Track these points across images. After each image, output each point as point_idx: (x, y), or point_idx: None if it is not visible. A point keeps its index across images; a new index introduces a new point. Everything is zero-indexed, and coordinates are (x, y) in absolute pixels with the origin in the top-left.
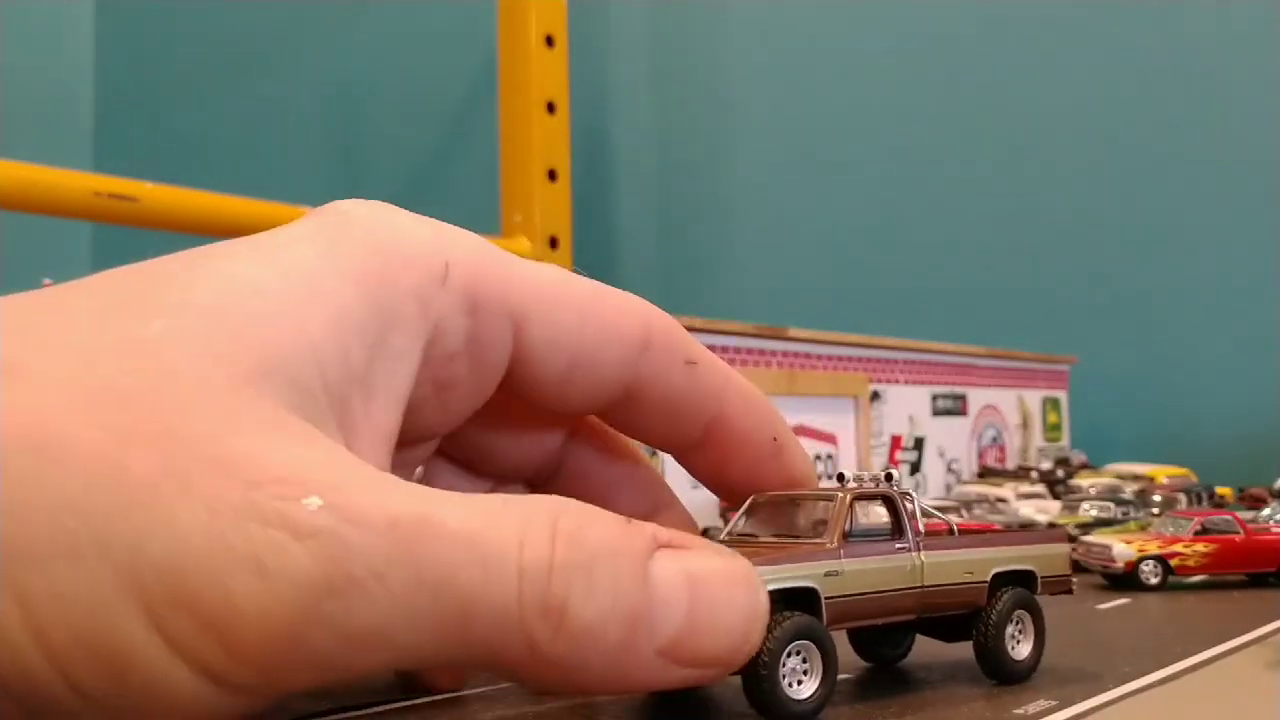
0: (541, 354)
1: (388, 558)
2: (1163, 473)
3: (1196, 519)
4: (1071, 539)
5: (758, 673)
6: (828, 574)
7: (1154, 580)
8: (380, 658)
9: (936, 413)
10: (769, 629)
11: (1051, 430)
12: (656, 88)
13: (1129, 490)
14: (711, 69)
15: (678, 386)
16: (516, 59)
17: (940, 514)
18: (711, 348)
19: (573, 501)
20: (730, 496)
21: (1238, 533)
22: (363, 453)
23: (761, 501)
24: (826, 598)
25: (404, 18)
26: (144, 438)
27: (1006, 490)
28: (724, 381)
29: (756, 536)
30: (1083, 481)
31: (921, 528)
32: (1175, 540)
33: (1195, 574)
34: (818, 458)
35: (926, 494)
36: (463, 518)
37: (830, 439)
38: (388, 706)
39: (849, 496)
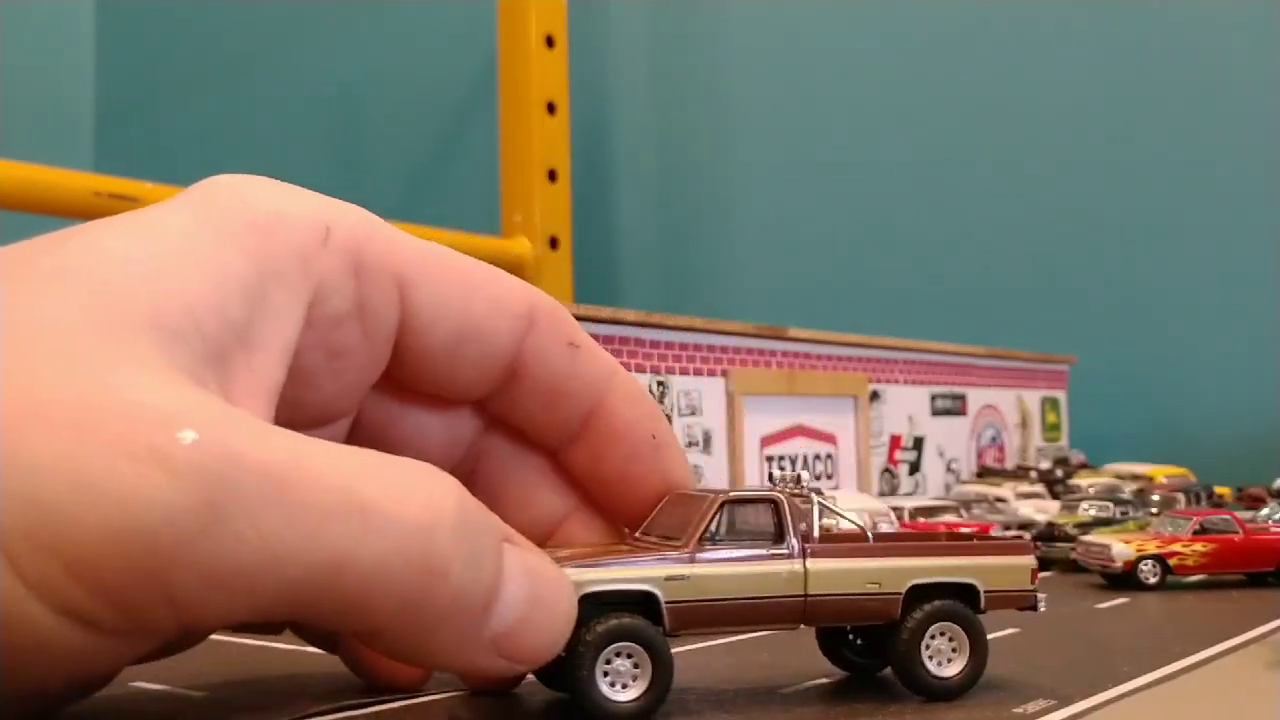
0: (429, 321)
1: (261, 498)
2: (1162, 472)
3: (1195, 519)
4: (1070, 539)
5: (574, 673)
6: (670, 578)
7: (1152, 580)
8: (245, 604)
9: (936, 412)
10: (585, 629)
11: (1051, 430)
12: (656, 88)
13: (1128, 490)
14: (711, 69)
15: (561, 369)
16: (516, 59)
17: (854, 519)
18: (712, 348)
19: (448, 475)
20: (605, 494)
21: (1236, 532)
22: (243, 402)
23: (671, 500)
24: (668, 602)
25: (404, 18)
26: (14, 387)
27: (1005, 490)
28: (607, 371)
29: (650, 535)
30: (1082, 481)
31: (817, 533)
32: (1174, 540)
33: (1194, 573)
34: (818, 457)
35: (926, 493)
36: (342, 467)
37: (830, 439)
38: (389, 705)
39: (720, 499)
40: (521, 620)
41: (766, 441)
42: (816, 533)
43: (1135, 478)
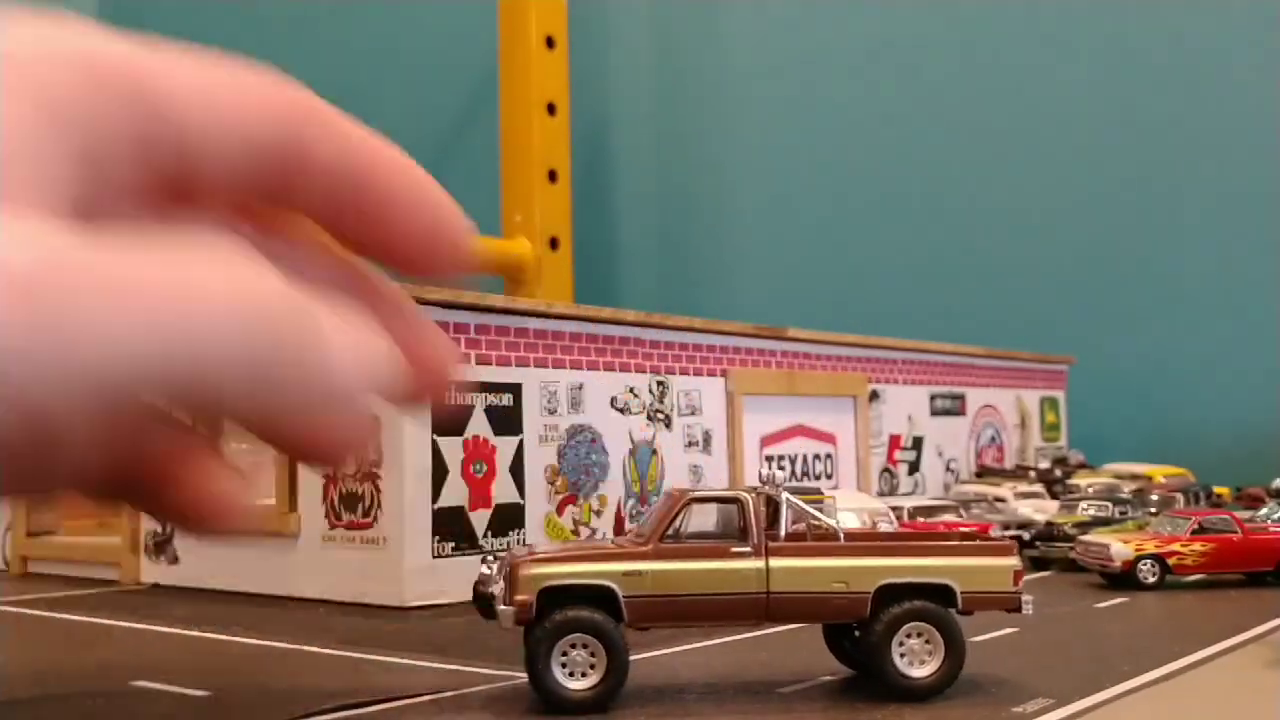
0: (196, 102)
1: (90, 296)
2: (1160, 472)
3: (1194, 518)
4: (1068, 538)
5: (531, 661)
6: (628, 574)
7: (1151, 579)
8: (96, 401)
9: (935, 412)
10: (542, 621)
11: (1050, 430)
12: (656, 89)
13: (1126, 490)
14: (712, 71)
15: (332, 154)
16: (517, 60)
17: (825, 517)
18: (711, 348)
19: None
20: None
21: (1235, 532)
22: (31, 205)
23: (662, 498)
24: (626, 597)
25: (405, 19)
26: None
27: (1005, 490)
28: (374, 152)
29: (633, 532)
30: (1081, 481)
31: (783, 532)
32: (1173, 539)
33: (1193, 573)
34: (817, 457)
35: (925, 493)
36: (159, 256)
37: (829, 439)
38: (384, 705)
39: (685, 498)
40: (351, 376)
41: (766, 441)
42: (784, 531)
43: (1134, 477)
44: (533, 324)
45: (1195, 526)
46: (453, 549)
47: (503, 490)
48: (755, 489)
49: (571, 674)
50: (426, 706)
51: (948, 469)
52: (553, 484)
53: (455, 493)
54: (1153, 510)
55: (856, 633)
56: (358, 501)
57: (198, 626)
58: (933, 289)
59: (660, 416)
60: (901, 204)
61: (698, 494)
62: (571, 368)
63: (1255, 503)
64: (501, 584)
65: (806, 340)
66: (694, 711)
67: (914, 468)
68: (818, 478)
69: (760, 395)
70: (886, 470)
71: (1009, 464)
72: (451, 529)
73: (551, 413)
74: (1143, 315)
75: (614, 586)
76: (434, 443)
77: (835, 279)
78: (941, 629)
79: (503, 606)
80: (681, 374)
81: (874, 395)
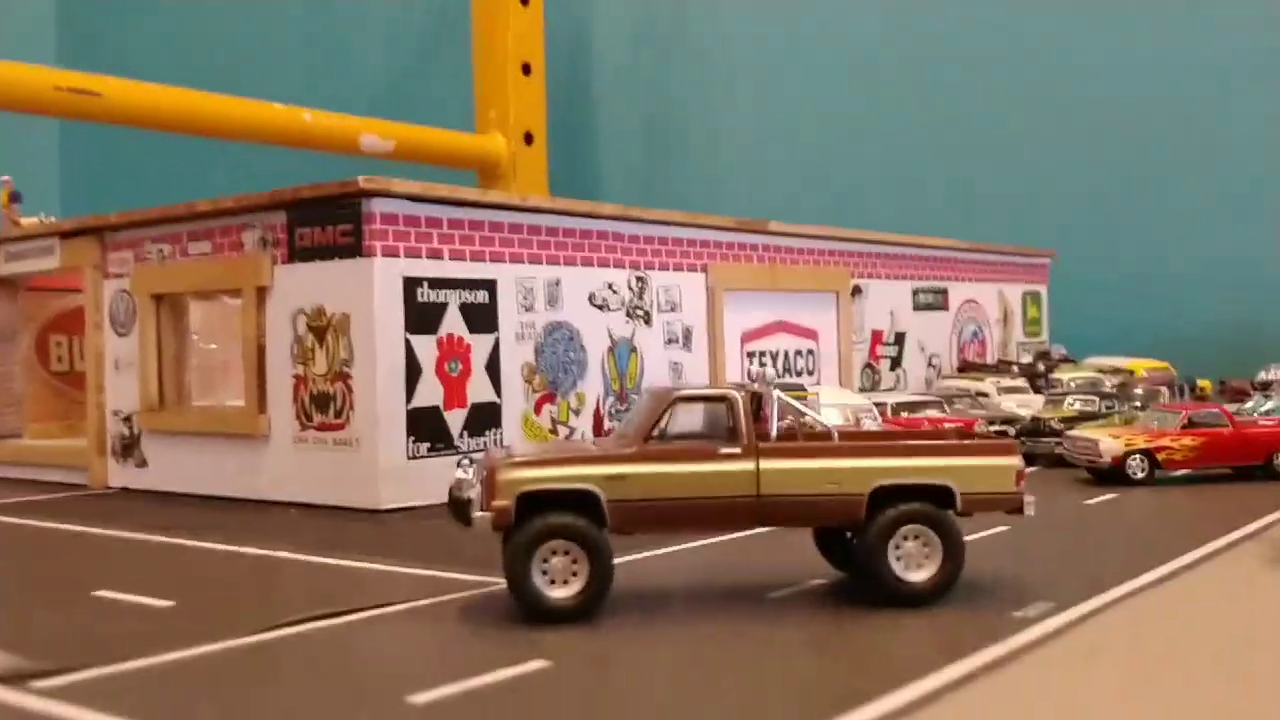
0: None
1: None
2: (1142, 366)
3: (1184, 412)
4: (1055, 434)
5: (510, 569)
6: (611, 477)
7: (1140, 475)
8: None
9: (918, 307)
10: (522, 527)
11: (1031, 325)
12: None
13: (1109, 384)
14: None
15: None
16: None
17: (819, 418)
18: (692, 242)
19: None
20: None
21: (1225, 426)
22: None
23: (645, 394)
24: (609, 501)
25: None
26: None
27: (987, 384)
28: None
29: (615, 433)
30: (1063, 375)
31: (774, 432)
32: (1162, 434)
33: (1181, 468)
34: (799, 353)
35: (907, 389)
36: None
37: (811, 335)
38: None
39: (671, 396)
40: None
41: (747, 337)
42: (774, 431)
43: (1116, 371)
44: (508, 218)
45: (1185, 421)
46: (428, 450)
47: (479, 389)
48: (744, 387)
49: (553, 582)
50: (402, 616)
51: (930, 365)
52: (530, 382)
53: (430, 392)
54: (1137, 405)
55: (850, 536)
56: (329, 402)
57: (164, 532)
58: (916, 183)
59: (640, 313)
60: (887, 98)
61: (684, 393)
62: (549, 263)
63: (1240, 396)
64: (478, 488)
65: (789, 234)
66: (681, 620)
67: (896, 363)
68: (799, 374)
69: (741, 291)
70: (869, 366)
71: (991, 359)
72: (426, 429)
73: (528, 309)
74: (1125, 210)
75: (596, 491)
76: (407, 341)
77: (818, 173)
78: (940, 532)
79: (479, 512)
80: (661, 269)
81: (856, 290)
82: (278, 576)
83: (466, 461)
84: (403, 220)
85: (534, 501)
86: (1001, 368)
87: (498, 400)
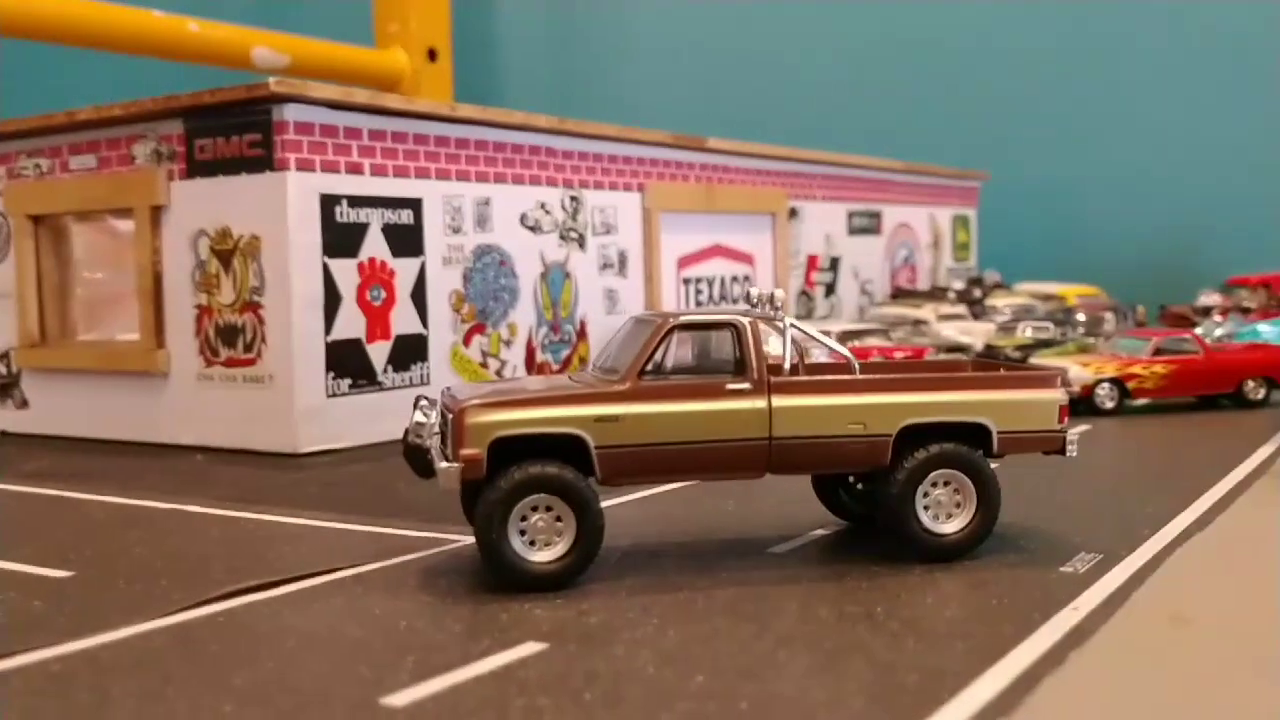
0: None
1: None
2: (1073, 292)
3: (1153, 339)
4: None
5: (483, 532)
6: (601, 419)
7: (1110, 404)
8: None
9: (853, 231)
10: (496, 480)
11: (960, 250)
12: None
13: (1042, 310)
14: None
15: None
16: None
17: (839, 345)
18: (628, 159)
19: None
20: None
21: (1197, 352)
22: None
23: (629, 323)
24: (599, 447)
25: None
26: None
27: (926, 311)
28: None
29: (596, 368)
30: (998, 301)
31: (788, 364)
32: (1132, 361)
33: (1151, 396)
34: (735, 279)
35: (841, 316)
36: None
37: (748, 259)
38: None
39: (667, 324)
40: None
41: (684, 262)
42: (788, 364)
43: (1048, 297)
44: (434, 129)
45: (1155, 348)
46: (350, 387)
47: (404, 320)
48: (748, 312)
49: (533, 543)
50: (351, 586)
51: (863, 291)
52: (459, 312)
53: (350, 323)
54: (1082, 331)
55: (854, 481)
56: (237, 335)
57: (54, 483)
58: (851, 100)
59: (574, 236)
60: (821, 12)
61: (683, 319)
62: (478, 180)
63: (1181, 321)
64: (440, 434)
65: (726, 152)
66: (684, 585)
67: (830, 290)
68: (735, 301)
69: (678, 212)
70: (804, 293)
71: (922, 285)
72: (347, 364)
73: (456, 231)
74: (1055, 134)
75: (584, 435)
76: (325, 266)
77: (752, 87)
78: (974, 477)
79: (444, 463)
80: (596, 188)
81: (793, 213)
82: (192, 537)
83: (425, 402)
84: (319, 130)
85: (508, 449)
86: (936, 294)
87: (424, 331)
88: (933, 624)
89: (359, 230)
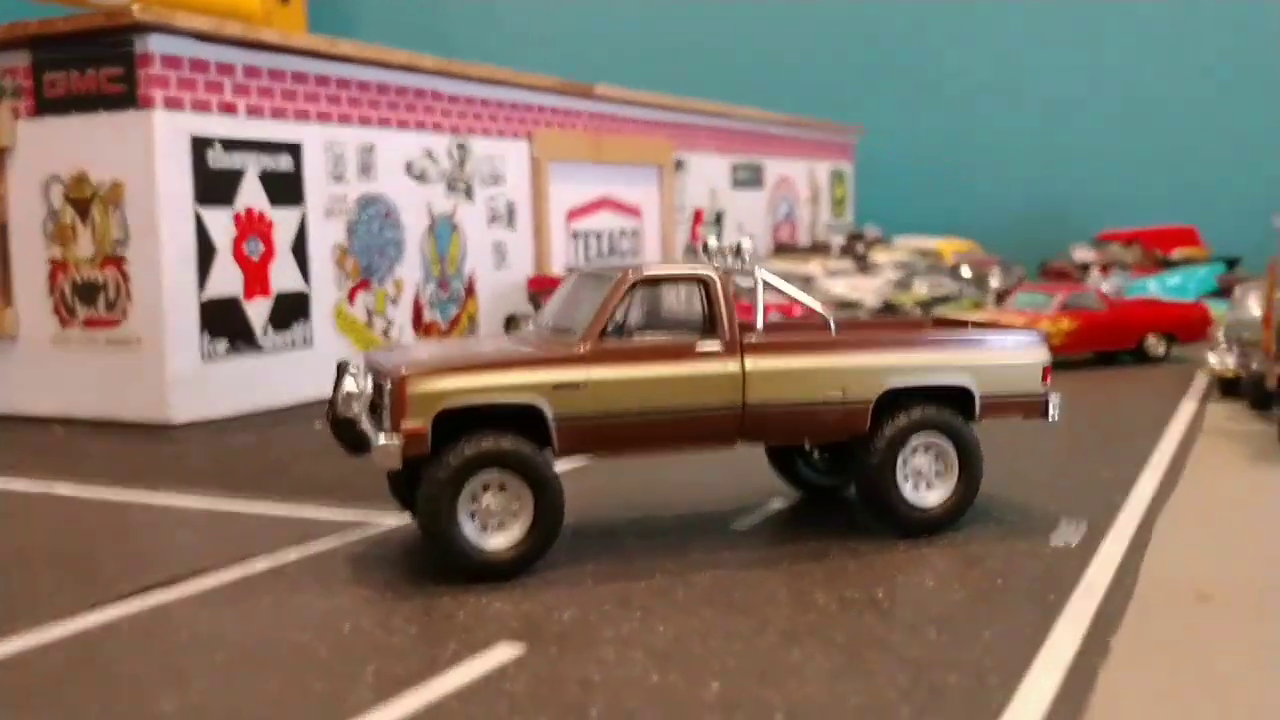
0: None
1: None
2: (950, 247)
3: (1059, 295)
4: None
5: (430, 518)
6: (560, 386)
7: None
8: None
9: (737, 184)
10: (443, 458)
11: (837, 205)
12: None
13: (923, 264)
14: None
15: None
16: None
17: (814, 303)
18: (515, 106)
19: None
20: None
21: (1101, 309)
22: None
23: (574, 276)
24: (558, 418)
25: None
26: None
27: (813, 267)
28: None
29: (543, 327)
30: (879, 257)
31: (761, 323)
32: (1039, 318)
33: (1056, 353)
34: (623, 233)
35: None
36: None
37: (635, 212)
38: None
39: (629, 279)
40: None
41: (573, 215)
42: (761, 323)
43: (926, 253)
44: (313, 67)
45: (1061, 304)
46: (227, 350)
47: (284, 275)
48: (717, 266)
49: (485, 527)
50: (270, 579)
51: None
52: (343, 267)
53: (226, 279)
54: (971, 286)
55: (812, 450)
56: (98, 292)
57: None
58: (735, 52)
59: (461, 186)
60: None
61: (649, 272)
62: (361, 124)
63: (1062, 277)
64: (380, 405)
65: (614, 100)
66: (653, 566)
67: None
68: (624, 255)
69: (567, 162)
70: (690, 248)
71: (803, 240)
72: (224, 325)
73: (338, 180)
74: (928, 92)
75: (542, 405)
76: (197, 216)
77: (638, 33)
78: (957, 442)
79: (383, 439)
80: (484, 135)
81: (679, 165)
82: (69, 525)
83: (354, 368)
84: (188, 65)
85: (452, 421)
86: (818, 249)
87: (306, 288)
88: (944, 610)
89: (234, 177)
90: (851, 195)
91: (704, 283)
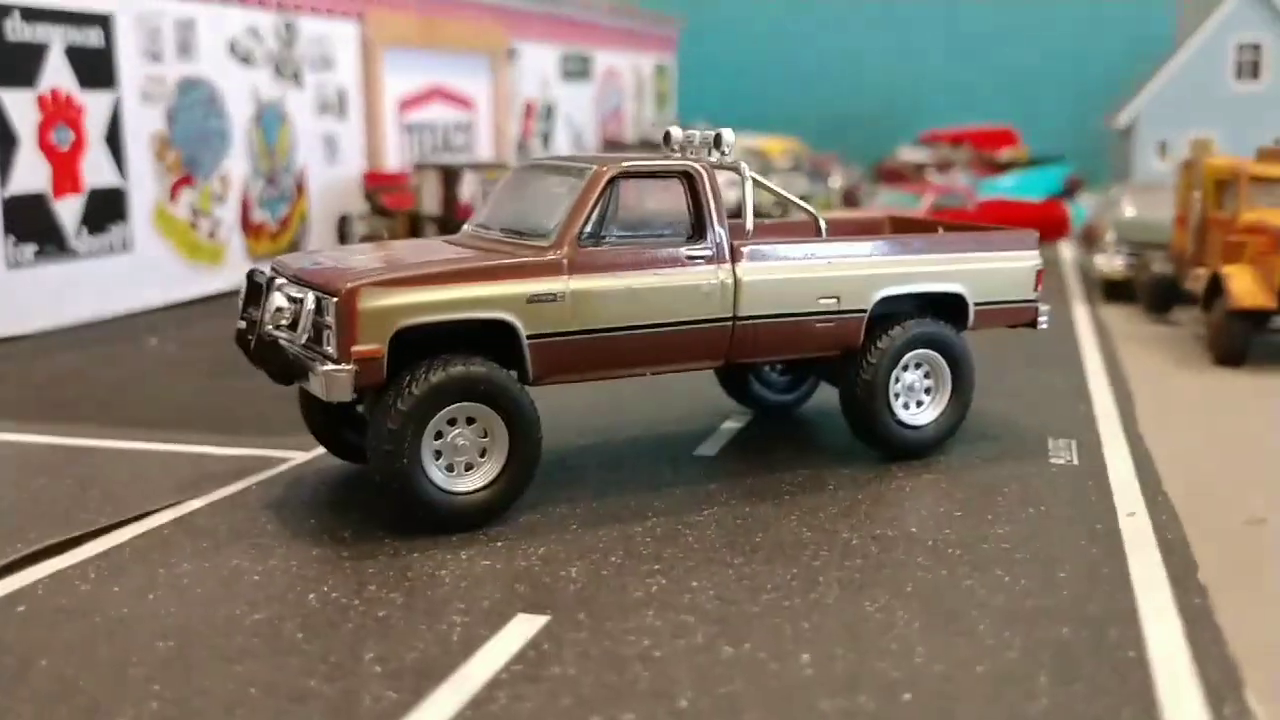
0: None
1: None
2: (776, 145)
3: (928, 194)
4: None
5: (387, 458)
6: (535, 299)
7: None
8: None
9: (566, 75)
10: (403, 386)
11: (660, 100)
12: None
13: (757, 163)
14: None
15: None
16: None
17: (802, 203)
18: None
19: None
20: None
21: (970, 208)
22: None
23: (522, 171)
24: (532, 337)
25: None
26: None
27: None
28: None
29: (488, 229)
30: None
31: (750, 225)
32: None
33: None
34: (458, 127)
35: None
36: None
37: (468, 104)
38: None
39: (606, 172)
40: None
41: (405, 106)
42: (750, 225)
43: (752, 151)
44: None
45: (933, 203)
46: (35, 255)
47: (96, 169)
48: (698, 159)
49: (451, 468)
50: (182, 537)
51: (577, 141)
52: (163, 160)
53: (31, 173)
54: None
55: (772, 369)
56: None
57: None
58: None
59: (289, 70)
60: None
61: (628, 166)
62: None
63: (897, 177)
64: (322, 325)
65: None
66: (641, 507)
67: (546, 140)
68: (457, 151)
69: (400, 47)
70: (522, 144)
71: (630, 136)
72: (31, 226)
73: (155, 59)
74: None
75: (514, 320)
76: None
77: None
78: (950, 358)
79: (329, 367)
80: (312, 14)
81: (511, 54)
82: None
83: (285, 283)
84: None
85: (406, 343)
86: (646, 146)
87: (123, 184)
88: (997, 547)
89: (36, 53)
90: (675, 89)
91: (689, 177)
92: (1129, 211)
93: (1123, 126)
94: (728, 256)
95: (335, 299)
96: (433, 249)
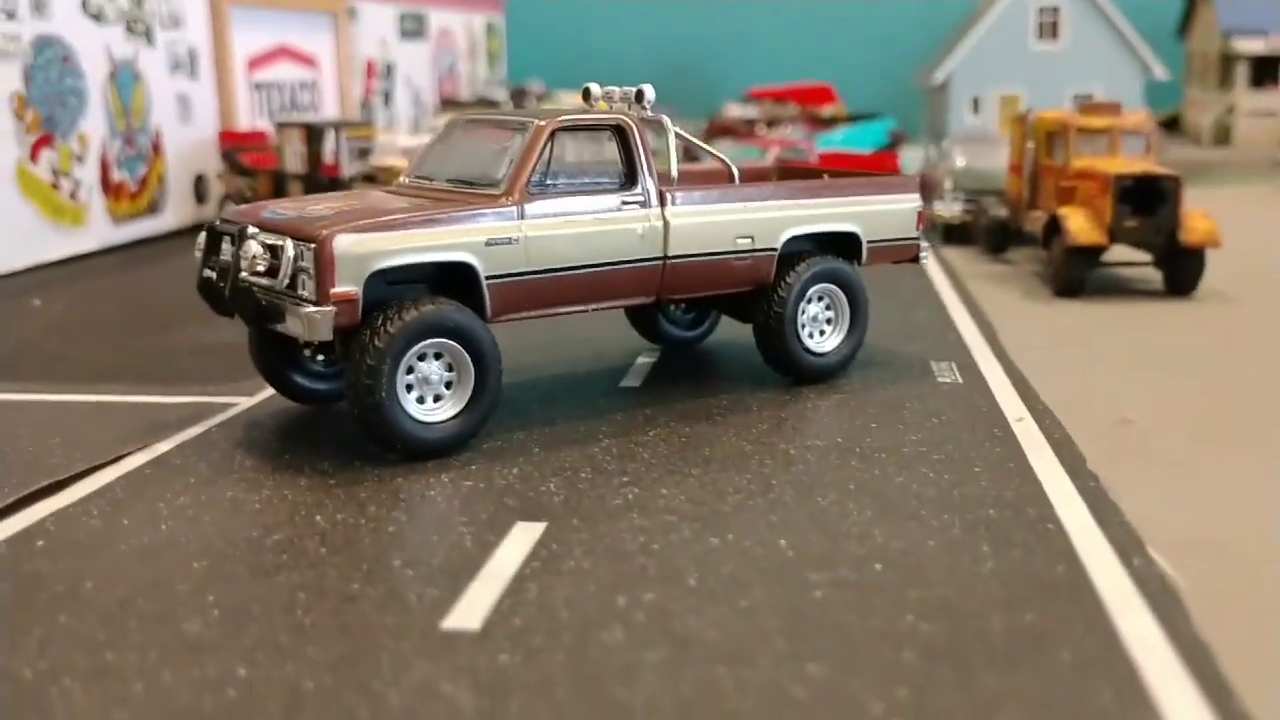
0: None
1: None
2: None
3: (772, 148)
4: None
5: (363, 391)
6: (492, 242)
7: None
8: None
9: (404, 35)
10: (378, 325)
11: (492, 59)
12: None
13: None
14: None
15: None
16: None
17: (716, 153)
18: None
19: None
20: None
21: (814, 160)
22: None
23: (455, 126)
24: (490, 277)
25: None
26: None
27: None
28: None
29: (431, 180)
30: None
31: (675, 173)
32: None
33: None
34: (304, 86)
35: (400, 128)
36: None
37: (312, 63)
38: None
39: (548, 125)
40: None
41: (254, 65)
42: (675, 172)
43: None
44: None
45: (778, 157)
46: None
47: None
48: (625, 114)
49: (422, 400)
50: (155, 472)
51: (416, 101)
52: (22, 119)
53: None
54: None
55: (676, 307)
56: None
57: None
58: None
59: (140, 28)
60: None
61: (565, 119)
62: None
63: (729, 133)
64: (303, 270)
65: None
66: (588, 429)
67: (387, 99)
68: (304, 110)
69: (246, 6)
70: (365, 104)
71: (465, 95)
72: None
73: (9, 16)
74: None
75: (474, 262)
76: None
77: None
78: (849, 291)
79: (310, 309)
80: None
81: (352, 13)
82: None
83: (254, 229)
84: None
85: (374, 284)
86: (484, 105)
87: None
88: (915, 451)
89: None
90: (505, 48)
91: (621, 130)
92: (960, 162)
93: (937, 84)
94: (657, 202)
95: (313, 245)
96: (382, 199)
